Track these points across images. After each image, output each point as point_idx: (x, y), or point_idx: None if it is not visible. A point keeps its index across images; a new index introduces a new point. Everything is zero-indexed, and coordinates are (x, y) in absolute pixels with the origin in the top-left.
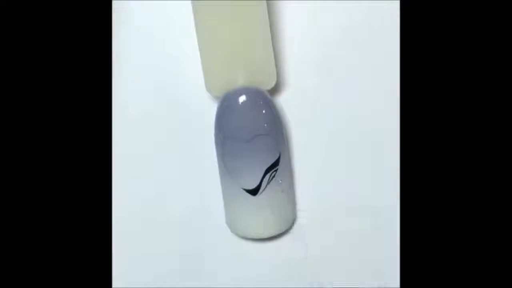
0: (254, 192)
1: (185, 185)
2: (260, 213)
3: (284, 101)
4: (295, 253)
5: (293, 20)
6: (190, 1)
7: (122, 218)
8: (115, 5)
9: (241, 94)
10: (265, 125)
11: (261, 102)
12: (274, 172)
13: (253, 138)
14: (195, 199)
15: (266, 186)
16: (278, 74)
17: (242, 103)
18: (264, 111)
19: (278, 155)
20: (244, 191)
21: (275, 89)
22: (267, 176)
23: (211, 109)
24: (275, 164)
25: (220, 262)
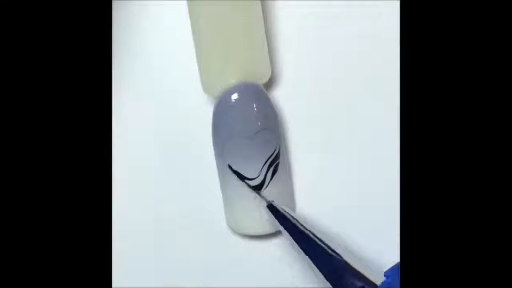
0: (259, 187)
1: (184, 186)
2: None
3: (279, 95)
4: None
5: (287, 14)
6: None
7: (122, 218)
8: (115, 5)
9: (236, 91)
10: (264, 120)
11: (257, 97)
12: (276, 166)
13: (254, 134)
14: (195, 200)
15: (269, 180)
16: (272, 68)
17: (238, 100)
18: (261, 106)
19: (278, 148)
20: (249, 188)
21: (270, 83)
22: (270, 170)
23: (210, 110)
24: (276, 157)
25: (220, 262)
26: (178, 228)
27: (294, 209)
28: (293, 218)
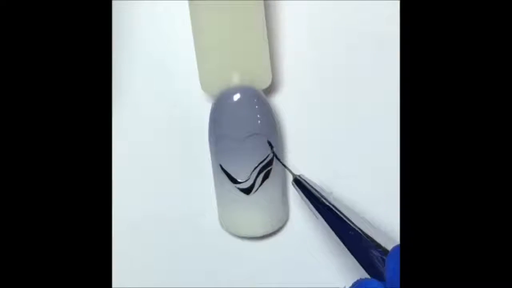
0: (247, 191)
1: (183, 185)
2: (253, 211)
3: (279, 101)
4: (290, 253)
5: (290, 20)
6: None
7: (122, 218)
8: (115, 6)
9: (235, 93)
10: (259, 124)
11: (255, 102)
12: (268, 172)
13: (247, 138)
14: (193, 199)
15: (259, 185)
16: (274, 74)
17: (236, 102)
18: (258, 111)
19: (272, 155)
20: (238, 190)
21: (271, 89)
22: (261, 175)
23: (208, 109)
24: (269, 163)
25: (217, 261)
26: (178, 228)
27: (287, 217)
28: (318, 193)
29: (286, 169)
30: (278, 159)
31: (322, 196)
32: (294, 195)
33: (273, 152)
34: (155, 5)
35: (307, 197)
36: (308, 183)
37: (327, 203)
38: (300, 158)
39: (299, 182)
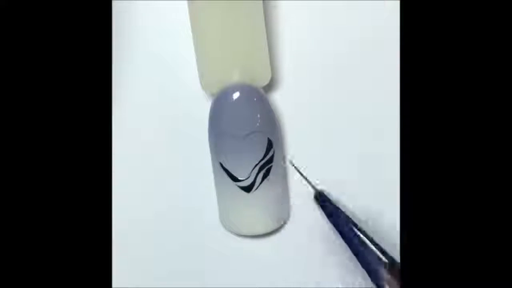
0: (248, 189)
1: (183, 184)
2: (254, 209)
3: (279, 98)
4: (291, 251)
5: (289, 17)
6: (186, 1)
7: (122, 218)
8: (115, 6)
9: (234, 91)
10: (259, 122)
11: (255, 99)
12: (268, 170)
13: (247, 135)
14: (193, 198)
15: (260, 183)
16: (273, 71)
17: (235, 100)
18: (258, 108)
19: (272, 152)
20: (239, 188)
21: (270, 86)
22: (261, 173)
23: (207, 107)
24: (269, 161)
25: (217, 261)
26: (178, 228)
27: (288, 215)
28: (341, 212)
29: (307, 182)
30: (299, 171)
31: (346, 217)
32: (294, 193)
33: (292, 163)
34: (155, 5)
35: (327, 214)
36: (330, 201)
37: (350, 225)
38: (300, 155)
39: (320, 197)
